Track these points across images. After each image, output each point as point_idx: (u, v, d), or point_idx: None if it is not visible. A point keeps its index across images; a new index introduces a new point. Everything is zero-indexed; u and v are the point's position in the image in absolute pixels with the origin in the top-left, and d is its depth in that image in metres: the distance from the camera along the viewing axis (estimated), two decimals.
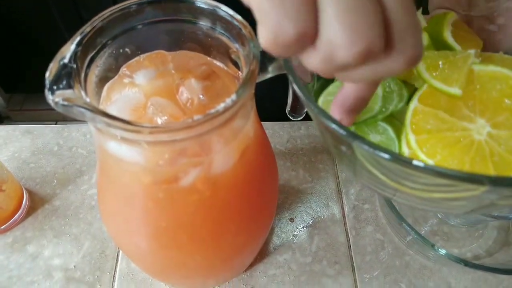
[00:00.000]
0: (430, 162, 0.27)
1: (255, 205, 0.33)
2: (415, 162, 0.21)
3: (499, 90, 0.28)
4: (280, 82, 0.34)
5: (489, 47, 0.33)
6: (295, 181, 0.47)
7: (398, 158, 0.22)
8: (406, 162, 0.22)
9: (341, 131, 0.24)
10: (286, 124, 0.52)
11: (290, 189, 0.46)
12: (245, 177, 0.30)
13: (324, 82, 0.35)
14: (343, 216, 0.44)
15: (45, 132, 0.51)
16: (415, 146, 0.28)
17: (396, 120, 0.32)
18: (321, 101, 0.32)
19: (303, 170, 0.47)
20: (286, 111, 0.38)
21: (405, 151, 0.29)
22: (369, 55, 0.17)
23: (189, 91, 0.30)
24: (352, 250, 0.42)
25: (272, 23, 0.17)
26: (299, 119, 0.39)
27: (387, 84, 0.32)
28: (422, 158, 0.27)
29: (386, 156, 0.22)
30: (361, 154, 0.26)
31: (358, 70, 0.19)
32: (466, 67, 0.28)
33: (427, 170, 0.22)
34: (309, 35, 0.17)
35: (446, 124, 0.28)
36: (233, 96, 0.24)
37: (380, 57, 0.18)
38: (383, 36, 0.17)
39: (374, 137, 0.31)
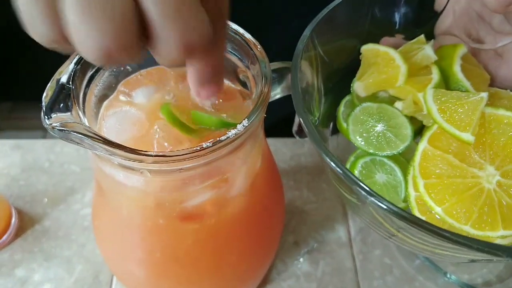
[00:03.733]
0: (438, 209, 0.26)
1: (258, 236, 0.31)
2: (437, 229, 0.21)
3: (509, 137, 0.27)
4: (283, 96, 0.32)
5: (496, 82, 0.33)
6: (299, 201, 0.45)
7: (417, 223, 0.21)
8: (426, 228, 0.21)
9: (355, 186, 0.23)
10: (289, 140, 0.50)
11: (294, 209, 0.44)
12: (250, 207, 0.28)
13: (329, 109, 0.34)
14: (350, 239, 0.42)
15: (35, 147, 0.49)
16: (423, 190, 0.27)
17: (402, 158, 0.31)
18: (350, 129, 0.31)
19: (307, 190, 0.46)
20: (293, 131, 0.36)
21: (412, 194, 0.28)
22: (111, 55, 0.17)
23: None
24: (359, 276, 0.40)
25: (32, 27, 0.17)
26: (305, 138, 0.38)
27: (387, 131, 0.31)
28: (430, 204, 0.27)
29: (403, 218, 0.21)
30: (373, 209, 0.25)
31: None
32: (478, 112, 0.27)
33: (448, 238, 0.20)
34: (59, 40, 0.17)
35: (455, 170, 0.27)
36: (245, 122, 0.23)
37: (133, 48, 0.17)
38: (131, 30, 0.17)
39: (380, 177, 0.30)
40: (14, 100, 1.50)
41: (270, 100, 0.29)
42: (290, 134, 0.37)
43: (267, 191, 0.30)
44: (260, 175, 0.28)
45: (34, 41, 0.17)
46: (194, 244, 0.29)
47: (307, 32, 0.30)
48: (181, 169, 0.22)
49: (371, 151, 0.30)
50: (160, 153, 0.21)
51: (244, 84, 0.29)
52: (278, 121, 0.43)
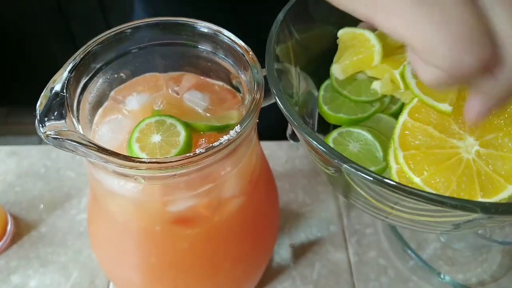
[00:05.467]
0: (417, 179, 0.26)
1: (253, 239, 0.31)
2: (402, 187, 0.21)
3: None
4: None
5: None
6: (294, 204, 0.45)
7: (385, 182, 0.21)
8: (392, 186, 0.21)
9: (330, 154, 0.23)
10: (284, 144, 0.50)
11: (289, 212, 0.45)
12: (245, 210, 0.29)
13: (306, 97, 0.35)
14: (345, 241, 0.43)
15: (31, 153, 0.49)
16: (402, 161, 0.27)
17: (382, 136, 0.31)
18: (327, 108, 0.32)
19: (302, 193, 0.46)
20: (287, 135, 0.37)
21: (393, 166, 0.28)
22: None
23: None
24: (354, 277, 0.40)
25: (451, 59, 0.16)
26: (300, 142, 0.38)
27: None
28: (409, 175, 0.27)
29: (375, 181, 0.21)
30: (350, 177, 0.25)
31: None
32: None
33: (419, 195, 0.21)
34: (490, 64, 0.16)
35: (435, 141, 0.27)
36: (237, 128, 0.23)
37: None
38: None
39: (354, 146, 0.31)
40: (11, 105, 1.50)
41: (263, 105, 0.30)
42: (284, 138, 0.37)
43: (261, 194, 0.30)
44: (255, 178, 0.29)
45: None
46: (189, 248, 0.29)
47: (280, 16, 0.30)
48: (174, 175, 0.23)
49: (359, 115, 0.32)
50: (154, 160, 0.21)
51: (237, 90, 0.30)
52: (272, 125, 0.43)
